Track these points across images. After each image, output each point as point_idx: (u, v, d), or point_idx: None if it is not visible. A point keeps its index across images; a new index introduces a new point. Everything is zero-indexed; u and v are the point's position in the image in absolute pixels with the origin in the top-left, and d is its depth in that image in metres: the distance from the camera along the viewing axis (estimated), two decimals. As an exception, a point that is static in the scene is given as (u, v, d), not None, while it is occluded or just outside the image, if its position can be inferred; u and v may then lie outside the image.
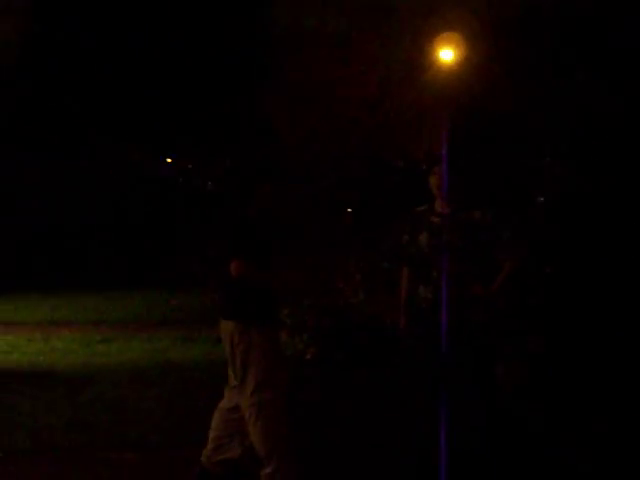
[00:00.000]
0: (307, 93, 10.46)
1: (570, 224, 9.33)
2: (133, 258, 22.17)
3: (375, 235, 9.09)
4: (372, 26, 10.74)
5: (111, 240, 24.09)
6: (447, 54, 7.81)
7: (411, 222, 6.01)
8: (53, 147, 25.16)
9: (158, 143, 27.31)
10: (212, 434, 5.81)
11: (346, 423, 7.11)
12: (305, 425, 6.42)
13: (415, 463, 5.88)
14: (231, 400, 5.78)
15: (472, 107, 9.48)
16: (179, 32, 25.05)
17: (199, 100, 24.52)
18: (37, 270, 20.58)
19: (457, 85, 8.84)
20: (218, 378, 6.08)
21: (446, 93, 7.63)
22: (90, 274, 20.52)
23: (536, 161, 10.24)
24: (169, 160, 29.00)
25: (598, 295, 8.71)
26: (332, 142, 9.95)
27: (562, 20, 11.13)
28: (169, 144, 27.48)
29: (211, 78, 24.43)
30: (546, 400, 7.11)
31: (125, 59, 25.20)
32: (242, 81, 18.72)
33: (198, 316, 13.46)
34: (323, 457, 6.26)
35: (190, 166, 28.52)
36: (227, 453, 5.75)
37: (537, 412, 6.91)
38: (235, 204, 5.82)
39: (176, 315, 14.87)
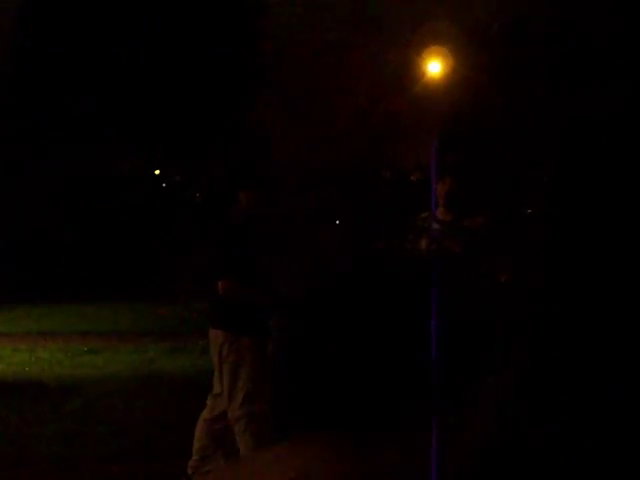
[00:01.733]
0: (298, 103, 10.48)
1: (560, 235, 9.34)
2: (120, 268, 22.11)
3: (365, 244, 9.09)
4: (361, 38, 10.79)
5: (98, 251, 24.03)
6: (435, 66, 7.82)
7: (412, 229, 6.08)
8: (39, 156, 25.12)
9: (147, 154, 27.30)
10: (197, 445, 5.79)
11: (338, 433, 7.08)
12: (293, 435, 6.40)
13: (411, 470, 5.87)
14: (214, 409, 5.77)
15: (460, 118, 9.53)
16: (173, 42, 25.08)
17: (190, 110, 24.54)
18: (23, 281, 20.49)
19: (445, 97, 8.89)
20: (206, 388, 6.05)
21: (434, 105, 7.64)
22: (77, 285, 20.44)
23: (524, 171, 10.28)
24: (157, 172, 28.97)
25: (599, 304, 8.70)
26: (322, 151, 9.97)
27: (548, 32, 11.20)
28: (159, 155, 27.47)
29: (203, 88, 24.48)
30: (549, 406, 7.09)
31: (121, 68, 25.19)
32: (235, 91, 18.78)
33: (186, 326, 13.42)
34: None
35: (178, 177, 28.53)
36: (212, 464, 5.73)
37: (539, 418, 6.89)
38: (220, 214, 5.82)
39: (163, 325, 14.81)
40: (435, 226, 5.97)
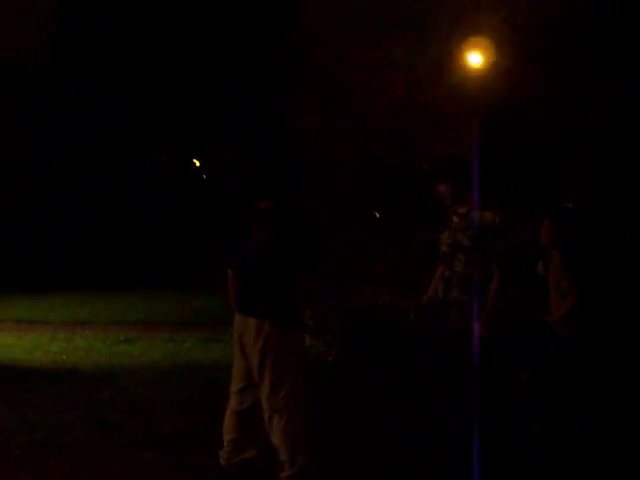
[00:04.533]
0: (333, 96, 10.44)
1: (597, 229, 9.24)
2: (158, 259, 22.22)
3: (400, 236, 9.04)
4: (401, 30, 10.70)
5: (137, 241, 24.18)
6: (475, 58, 7.73)
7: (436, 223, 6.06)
8: (81, 148, 25.30)
9: (186, 145, 27.40)
10: (228, 437, 5.78)
11: (368, 426, 7.05)
12: (327, 428, 6.37)
13: (435, 469, 5.85)
14: (242, 403, 5.73)
15: (500, 110, 9.42)
16: (209, 34, 25.13)
17: (228, 103, 24.58)
18: (61, 270, 20.67)
19: (485, 89, 8.79)
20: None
21: (474, 96, 7.55)
22: (114, 274, 20.58)
23: (563, 164, 10.17)
24: (197, 163, 29.04)
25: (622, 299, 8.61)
26: (360, 144, 9.93)
27: (587, 24, 11.06)
28: (198, 146, 27.56)
29: (241, 82, 24.50)
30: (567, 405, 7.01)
31: (155, 60, 25.31)
32: (272, 85, 18.76)
33: (221, 317, 13.42)
34: (344, 460, 6.20)
35: (217, 168, 28.58)
36: (244, 454, 5.72)
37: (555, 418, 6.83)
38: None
39: (199, 316, 14.85)
40: (455, 219, 5.96)
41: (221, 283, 6.01)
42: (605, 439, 6.58)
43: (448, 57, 10.44)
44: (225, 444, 5.79)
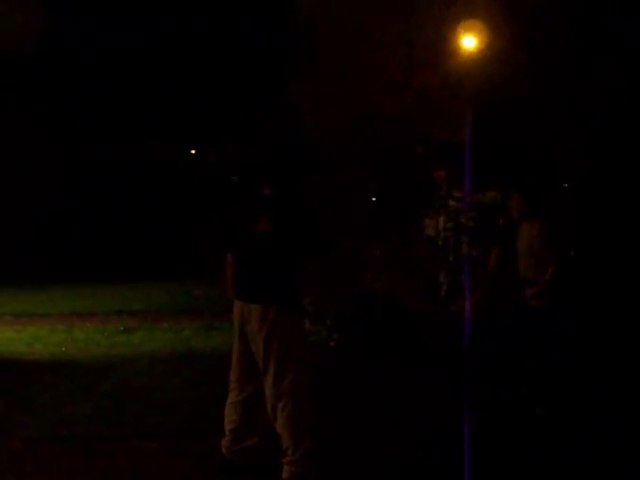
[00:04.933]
0: (330, 81, 10.41)
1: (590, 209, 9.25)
2: (156, 248, 22.20)
3: (398, 221, 9.03)
4: (395, 13, 10.66)
5: (133, 231, 24.15)
6: (470, 41, 7.69)
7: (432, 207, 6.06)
8: (75, 137, 25.23)
9: (181, 134, 27.34)
10: (229, 426, 5.78)
11: (369, 412, 7.06)
12: (328, 414, 6.37)
13: (436, 453, 5.86)
14: (244, 391, 5.73)
15: (494, 93, 9.40)
16: (207, 23, 25.05)
17: (225, 92, 24.52)
18: (59, 262, 20.65)
19: (480, 71, 8.76)
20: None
21: (469, 79, 7.52)
22: (112, 265, 20.56)
23: (557, 145, 10.17)
24: (193, 151, 29.00)
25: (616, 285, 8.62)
26: (356, 129, 9.90)
27: (583, 7, 11.02)
28: (193, 135, 27.50)
29: (237, 69, 24.43)
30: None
31: (150, 51, 25.24)
32: (269, 71, 18.72)
33: (221, 306, 13.42)
34: (345, 446, 6.21)
35: (212, 158, 28.52)
36: (245, 443, 5.72)
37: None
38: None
39: (199, 305, 14.84)
40: (451, 203, 5.95)
41: (220, 271, 5.99)
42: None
43: (442, 40, 10.41)
44: (226, 433, 5.79)
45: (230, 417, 5.78)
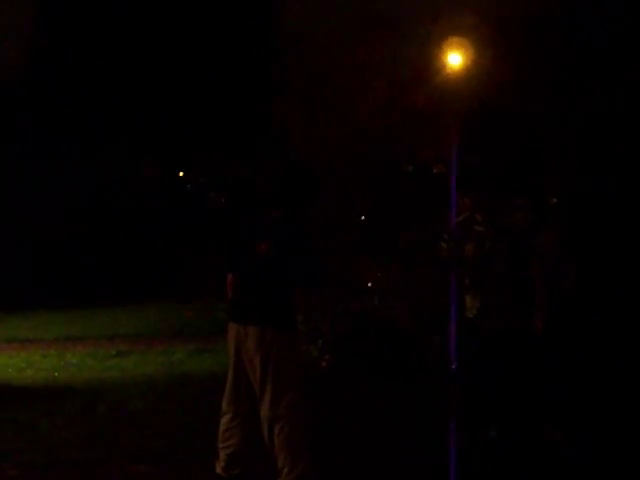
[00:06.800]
0: (318, 100, 10.44)
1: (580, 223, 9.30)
2: (147, 271, 22.16)
3: (389, 240, 9.03)
4: (381, 32, 10.73)
5: (124, 254, 24.10)
6: (455, 58, 7.76)
7: (443, 230, 6.10)
8: (63, 157, 25.19)
9: (171, 157, 27.36)
10: (224, 450, 5.77)
11: (363, 432, 7.06)
12: (322, 434, 6.38)
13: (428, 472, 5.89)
14: (237, 416, 5.73)
15: (481, 109, 9.45)
16: (190, 43, 25.10)
17: (211, 112, 24.55)
18: (50, 286, 20.58)
19: (466, 88, 8.82)
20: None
21: (455, 96, 7.59)
22: (103, 289, 20.51)
23: (546, 160, 10.23)
24: (181, 174, 29.01)
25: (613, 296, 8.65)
26: (344, 148, 9.93)
27: (567, 22, 11.12)
28: (182, 158, 27.52)
29: (223, 90, 24.47)
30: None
31: (139, 71, 25.26)
32: (254, 91, 18.75)
33: (213, 327, 13.40)
34: (338, 466, 6.22)
35: (203, 180, 28.54)
36: (240, 465, 5.73)
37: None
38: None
39: (191, 327, 14.82)
40: (478, 228, 6.02)
41: (220, 290, 6.01)
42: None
43: (428, 58, 10.47)
44: (220, 456, 5.79)
45: (228, 442, 5.77)
